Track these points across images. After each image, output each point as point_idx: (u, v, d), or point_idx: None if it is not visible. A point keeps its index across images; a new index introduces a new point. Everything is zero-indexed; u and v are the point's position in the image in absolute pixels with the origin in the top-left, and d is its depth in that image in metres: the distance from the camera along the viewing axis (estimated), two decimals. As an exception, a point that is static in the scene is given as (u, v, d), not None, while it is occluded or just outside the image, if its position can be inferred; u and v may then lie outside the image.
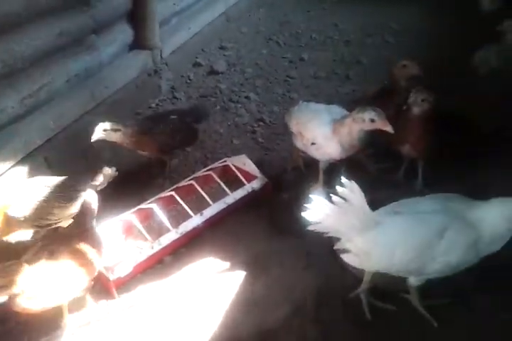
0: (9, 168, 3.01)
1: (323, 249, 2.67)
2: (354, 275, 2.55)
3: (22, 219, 2.45)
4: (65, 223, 2.72)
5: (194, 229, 2.85)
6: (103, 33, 3.97)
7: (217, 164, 3.30)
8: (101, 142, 3.04)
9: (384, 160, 3.45)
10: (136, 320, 2.45)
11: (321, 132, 2.97)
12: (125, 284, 2.61)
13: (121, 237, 2.85)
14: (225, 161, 3.31)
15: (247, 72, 4.99)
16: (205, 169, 3.23)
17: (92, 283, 2.36)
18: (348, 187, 2.11)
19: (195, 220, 2.85)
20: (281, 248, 2.84)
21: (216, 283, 2.65)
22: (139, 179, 3.34)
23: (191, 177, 3.14)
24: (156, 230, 2.90)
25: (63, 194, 2.56)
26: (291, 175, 3.48)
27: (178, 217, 2.98)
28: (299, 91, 4.63)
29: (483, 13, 5.87)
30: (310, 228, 2.21)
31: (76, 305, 2.41)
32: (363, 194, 2.14)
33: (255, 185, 3.16)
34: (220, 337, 2.35)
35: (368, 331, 2.36)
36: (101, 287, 2.59)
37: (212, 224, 2.98)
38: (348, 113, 2.95)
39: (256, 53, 5.43)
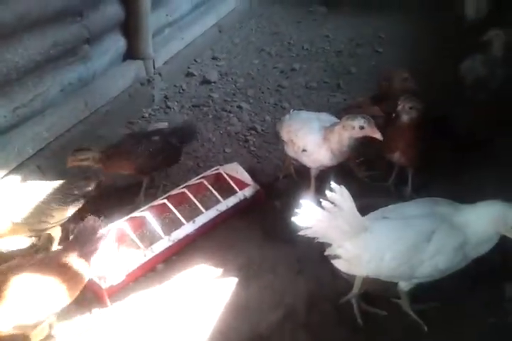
0: (2, 177, 3.02)
1: (315, 254, 2.69)
2: (345, 281, 2.57)
3: (22, 222, 2.47)
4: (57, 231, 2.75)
5: (186, 236, 2.86)
6: (96, 43, 4.01)
7: (209, 172, 3.33)
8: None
9: (374, 167, 3.51)
10: (130, 328, 2.45)
11: (312, 139, 3.01)
12: (118, 292, 2.61)
13: (114, 245, 2.85)
14: (218, 169, 3.33)
15: (239, 82, 5.05)
16: (198, 177, 3.26)
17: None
18: (338, 192, 2.14)
19: (188, 228, 2.87)
20: (273, 254, 2.86)
21: (209, 289, 2.66)
22: (132, 187, 3.35)
23: (184, 185, 3.16)
24: (149, 238, 2.91)
25: (62, 196, 2.60)
26: (283, 183, 3.51)
27: (170, 224, 2.99)
28: (290, 101, 4.69)
29: (469, 23, 5.98)
30: (301, 233, 2.23)
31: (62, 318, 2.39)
32: (352, 199, 2.17)
33: (247, 192, 3.18)
34: (213, 342, 2.36)
35: (359, 336, 2.38)
36: (93, 295, 2.58)
37: (205, 232, 2.99)
38: (338, 120, 2.99)
39: (248, 63, 5.50)
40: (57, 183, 2.72)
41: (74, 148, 3.01)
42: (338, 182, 2.19)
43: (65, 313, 2.39)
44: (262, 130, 4.19)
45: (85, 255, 2.32)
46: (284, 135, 3.28)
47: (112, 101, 4.08)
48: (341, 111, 3.42)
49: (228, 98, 4.72)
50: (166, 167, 3.40)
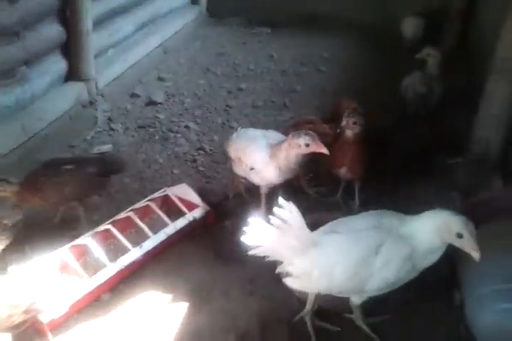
0: None
1: (267, 274, 2.65)
2: (298, 299, 2.54)
3: None
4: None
5: (133, 262, 2.75)
6: (35, 65, 3.89)
7: (156, 194, 3.24)
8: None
9: (322, 183, 3.55)
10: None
11: (259, 157, 3.02)
12: (60, 325, 2.45)
13: (57, 275, 2.70)
14: (165, 191, 3.25)
15: (186, 102, 5.01)
16: (145, 200, 3.16)
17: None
18: (286, 208, 2.14)
19: (134, 253, 2.76)
20: (225, 276, 2.80)
21: (158, 316, 2.55)
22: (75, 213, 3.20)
23: (130, 209, 3.05)
24: (93, 266, 2.77)
25: None
26: (232, 202, 3.47)
27: (116, 251, 2.86)
28: (238, 120, 4.70)
29: (407, 43, 6.28)
30: (251, 253, 2.19)
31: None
32: (301, 214, 2.17)
33: (197, 213, 3.12)
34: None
35: (314, 353, 2.35)
36: (34, 331, 2.41)
37: (153, 257, 2.89)
38: (285, 137, 3.01)
39: (194, 84, 5.48)
40: None
41: None
42: (287, 199, 2.18)
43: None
44: (211, 150, 4.16)
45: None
46: (232, 153, 3.27)
47: (52, 125, 3.93)
48: (289, 128, 3.46)
49: (175, 118, 4.66)
50: (85, 197, 3.12)
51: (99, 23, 4.67)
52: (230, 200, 3.49)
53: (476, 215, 2.62)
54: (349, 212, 2.97)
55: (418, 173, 3.56)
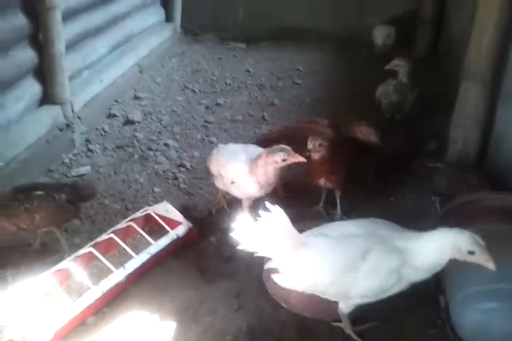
0: None
1: (254, 288, 2.66)
2: (286, 311, 2.53)
3: None
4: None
5: (117, 284, 2.71)
6: (9, 90, 3.84)
7: (138, 214, 3.21)
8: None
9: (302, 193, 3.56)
10: None
11: (239, 171, 3.03)
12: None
13: (40, 301, 2.64)
14: (147, 210, 3.23)
15: (164, 120, 5.01)
16: (126, 220, 3.13)
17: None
18: (273, 211, 2.17)
19: (118, 275, 2.71)
20: (211, 292, 2.77)
21: (146, 338, 2.51)
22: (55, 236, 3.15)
23: (111, 230, 3.01)
24: (77, 290, 2.71)
25: None
26: (216, 218, 3.46)
27: (99, 273, 2.82)
28: (217, 135, 4.71)
29: (379, 54, 6.41)
30: (240, 248, 2.22)
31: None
32: (288, 217, 2.20)
33: (180, 231, 3.09)
34: None
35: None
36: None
37: (138, 277, 2.85)
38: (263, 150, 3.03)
39: (172, 101, 5.49)
40: None
41: None
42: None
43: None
44: (191, 166, 4.15)
45: None
46: (213, 168, 3.28)
47: (29, 149, 3.88)
48: (262, 141, 3.51)
49: (154, 137, 4.65)
50: (56, 224, 3.02)
51: (73, 45, 4.65)
52: (214, 216, 3.48)
53: (455, 218, 2.67)
54: (332, 221, 2.97)
55: (400, 178, 3.62)
